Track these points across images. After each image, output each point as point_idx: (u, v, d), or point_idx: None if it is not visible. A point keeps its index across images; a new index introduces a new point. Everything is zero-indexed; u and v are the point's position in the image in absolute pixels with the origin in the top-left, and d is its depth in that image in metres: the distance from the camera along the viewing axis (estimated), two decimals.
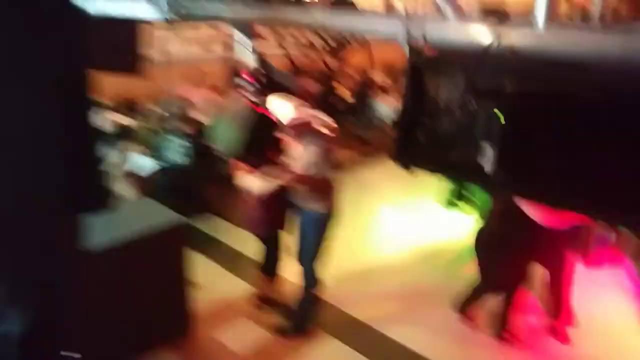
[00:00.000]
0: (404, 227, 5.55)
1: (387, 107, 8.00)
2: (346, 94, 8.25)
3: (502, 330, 3.57)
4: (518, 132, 1.20)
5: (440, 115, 1.38)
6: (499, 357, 3.51)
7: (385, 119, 8.08)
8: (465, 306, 3.76)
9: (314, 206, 3.40)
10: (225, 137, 1.76)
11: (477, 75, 1.29)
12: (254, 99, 1.75)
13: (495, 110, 1.26)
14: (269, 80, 1.69)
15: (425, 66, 1.45)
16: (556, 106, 1.12)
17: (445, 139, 1.37)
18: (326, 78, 8.12)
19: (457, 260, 4.47)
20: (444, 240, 5.16)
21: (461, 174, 1.50)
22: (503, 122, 1.21)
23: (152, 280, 3.40)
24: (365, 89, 8.05)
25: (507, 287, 3.49)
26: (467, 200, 5.55)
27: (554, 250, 3.36)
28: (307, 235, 3.50)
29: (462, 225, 5.35)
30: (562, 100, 1.11)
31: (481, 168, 1.26)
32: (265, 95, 1.75)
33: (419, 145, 1.47)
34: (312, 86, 7.92)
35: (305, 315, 3.68)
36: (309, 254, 3.51)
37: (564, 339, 3.59)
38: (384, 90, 8.55)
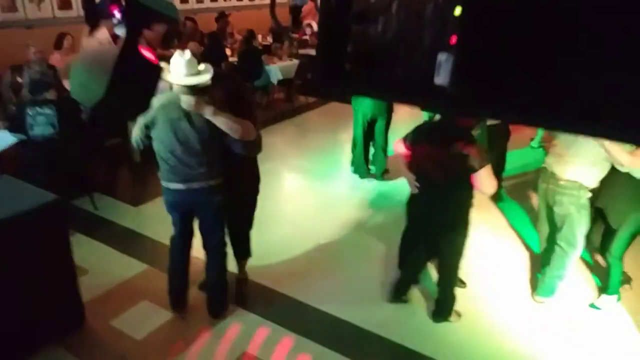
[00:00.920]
0: (310, 193, 5.44)
1: (275, 68, 7.72)
2: (233, 57, 7.80)
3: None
4: (484, 32, 0.89)
5: (377, 17, 1.01)
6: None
7: (274, 80, 7.81)
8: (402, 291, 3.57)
9: None
10: (85, 88, 1.28)
11: None
12: (121, 34, 1.28)
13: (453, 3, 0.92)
14: (138, 8, 1.25)
15: None
16: None
17: (385, 51, 1.01)
18: (213, 40, 7.57)
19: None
20: (353, 204, 5.12)
21: (407, 97, 1.07)
22: (463, 19, 0.91)
23: (25, 271, 2.91)
24: (252, 51, 7.65)
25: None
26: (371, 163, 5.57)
27: None
28: None
29: (368, 187, 5.39)
30: None
31: (435, 86, 0.95)
32: (136, 27, 1.29)
33: (349, 62, 1.07)
34: (195, 48, 7.36)
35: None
36: None
37: None
38: (270, 51, 8.24)
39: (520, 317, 3.45)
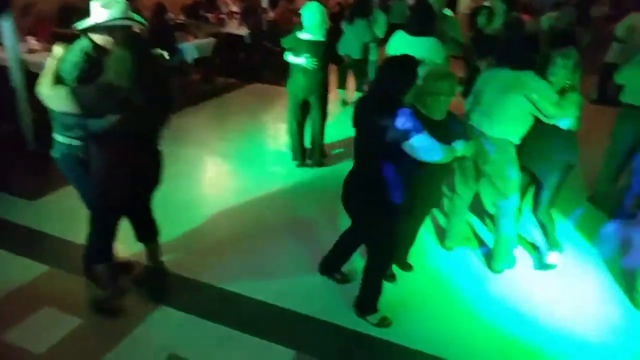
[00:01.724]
0: (233, 177, 5.09)
1: (190, 45, 7.19)
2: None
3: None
4: None
5: None
6: None
7: (189, 59, 7.27)
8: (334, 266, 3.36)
9: None
10: None
11: None
12: None
13: None
14: None
15: None
16: None
17: None
18: None
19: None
20: (281, 188, 4.84)
21: None
22: None
23: None
24: (163, 26, 7.04)
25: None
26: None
27: None
28: None
29: (299, 170, 5.11)
30: None
31: None
32: None
33: None
34: None
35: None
36: None
37: None
38: (185, 29, 7.66)
39: (477, 288, 3.41)
